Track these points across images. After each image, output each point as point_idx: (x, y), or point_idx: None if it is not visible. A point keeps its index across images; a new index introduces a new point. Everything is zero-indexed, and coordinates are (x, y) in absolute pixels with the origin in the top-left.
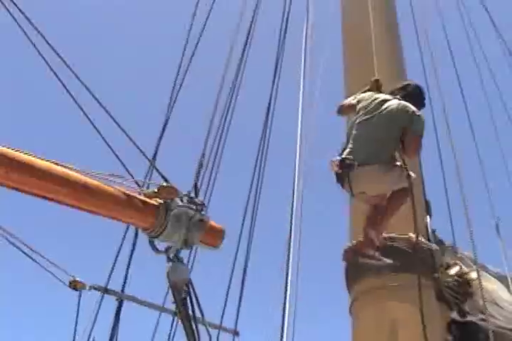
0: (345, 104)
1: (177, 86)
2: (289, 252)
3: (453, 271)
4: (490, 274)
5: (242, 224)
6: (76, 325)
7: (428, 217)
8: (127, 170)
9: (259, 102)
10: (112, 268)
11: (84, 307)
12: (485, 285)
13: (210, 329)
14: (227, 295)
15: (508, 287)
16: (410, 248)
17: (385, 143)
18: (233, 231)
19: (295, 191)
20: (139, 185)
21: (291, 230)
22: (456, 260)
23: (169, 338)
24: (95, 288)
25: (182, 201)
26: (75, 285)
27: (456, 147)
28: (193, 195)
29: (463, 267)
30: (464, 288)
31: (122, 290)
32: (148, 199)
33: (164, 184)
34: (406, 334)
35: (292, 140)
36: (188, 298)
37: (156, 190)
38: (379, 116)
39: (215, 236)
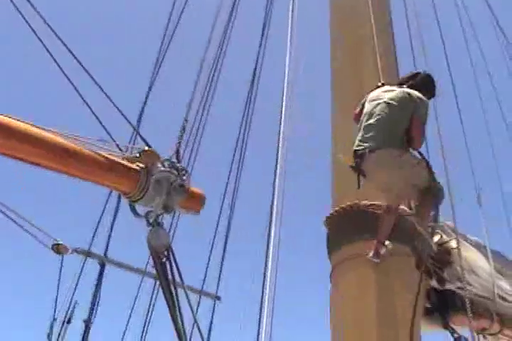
0: (357, 113)
1: (162, 51)
2: (271, 219)
3: (433, 239)
4: (469, 243)
5: (225, 190)
6: (58, 289)
7: None
8: (109, 134)
9: (244, 68)
10: (95, 232)
11: (67, 272)
12: (464, 254)
13: (191, 293)
14: (209, 260)
15: (486, 256)
16: None
17: (393, 130)
18: (216, 197)
19: (279, 158)
20: (120, 150)
21: (273, 196)
22: (437, 229)
23: (150, 302)
24: (78, 252)
25: (163, 166)
26: (57, 249)
27: (439, 118)
28: (174, 160)
29: (443, 236)
30: (443, 257)
31: (105, 254)
32: (129, 164)
33: (146, 148)
34: (384, 301)
35: (277, 106)
36: (167, 263)
37: (137, 155)
38: (384, 104)
39: (195, 202)
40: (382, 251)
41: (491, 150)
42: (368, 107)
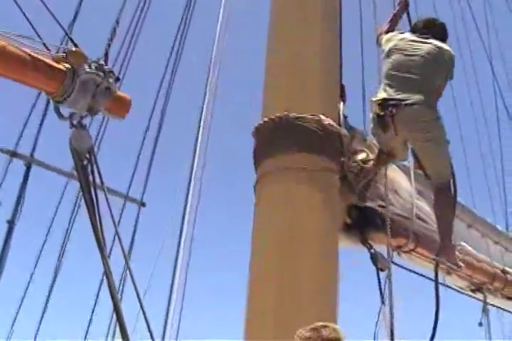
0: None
1: None
2: (199, 128)
3: (359, 156)
4: (394, 164)
5: (157, 97)
6: None
7: (342, 102)
8: (35, 30)
9: None
10: (21, 133)
11: None
12: (388, 174)
13: (116, 198)
14: (135, 166)
15: (409, 178)
16: (320, 129)
17: (431, 90)
18: (147, 105)
19: (211, 72)
20: (47, 48)
21: (203, 105)
22: (364, 147)
23: (74, 206)
24: (3, 151)
25: (90, 68)
26: None
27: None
28: (102, 62)
29: (369, 154)
30: (367, 175)
31: (31, 155)
32: (55, 64)
33: (73, 49)
34: (306, 215)
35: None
36: (89, 166)
37: (64, 55)
38: (422, 59)
39: (121, 106)
40: None
41: None
42: (400, 57)
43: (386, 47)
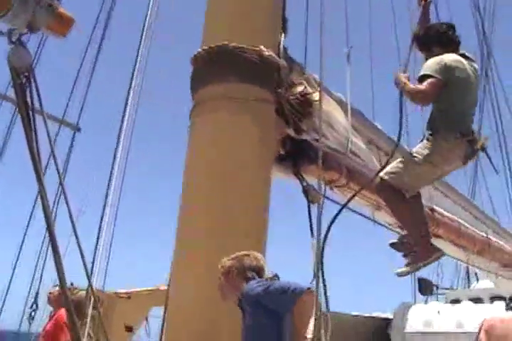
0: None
1: None
2: (137, 57)
3: (297, 89)
4: (333, 99)
5: (98, 16)
6: None
7: (283, 34)
8: None
9: None
10: None
11: None
12: (324, 108)
13: (51, 122)
14: (72, 89)
15: (346, 113)
16: (258, 60)
17: None
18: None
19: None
20: None
21: (144, 26)
22: (303, 80)
23: (9, 129)
24: None
25: None
26: None
27: None
28: None
29: (307, 87)
30: (304, 107)
31: None
32: None
33: None
34: (239, 144)
35: None
36: (27, 85)
37: None
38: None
39: (63, 25)
40: None
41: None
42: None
43: (454, 76)
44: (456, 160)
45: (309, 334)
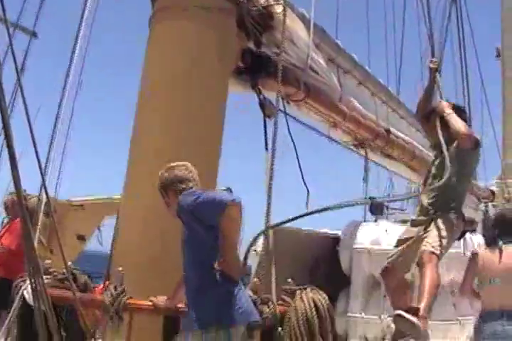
0: None
1: None
2: None
3: (261, 1)
4: (295, 13)
5: None
6: None
7: None
8: None
9: None
10: None
11: None
12: (287, 23)
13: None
14: None
15: (308, 29)
16: None
17: None
18: None
19: None
20: None
21: None
22: None
23: None
24: None
25: None
26: None
27: None
28: None
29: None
30: (265, 20)
31: None
32: None
33: None
34: (199, 54)
35: None
36: None
37: None
38: None
39: None
40: None
41: None
42: None
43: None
44: None
45: None
